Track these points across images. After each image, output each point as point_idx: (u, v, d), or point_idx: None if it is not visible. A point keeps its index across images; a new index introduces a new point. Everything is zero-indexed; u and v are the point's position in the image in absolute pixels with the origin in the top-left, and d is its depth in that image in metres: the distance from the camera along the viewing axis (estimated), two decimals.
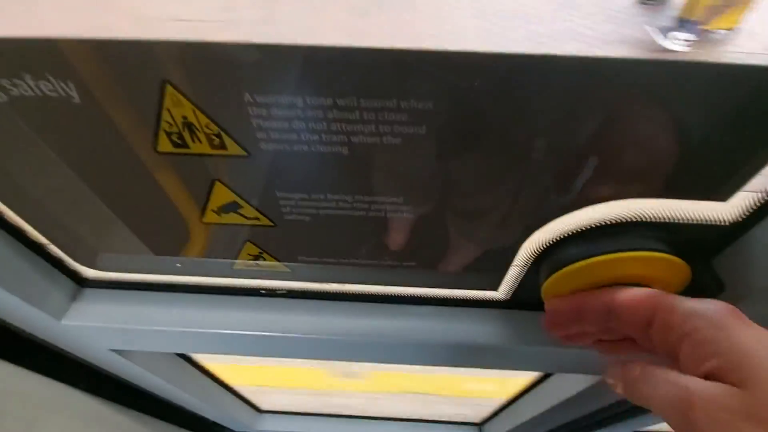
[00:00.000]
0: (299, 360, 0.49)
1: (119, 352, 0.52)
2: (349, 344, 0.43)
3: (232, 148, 0.27)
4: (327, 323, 0.43)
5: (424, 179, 0.29)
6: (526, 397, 0.76)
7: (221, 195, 0.31)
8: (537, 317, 0.42)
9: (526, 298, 0.41)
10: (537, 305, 0.42)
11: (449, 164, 0.28)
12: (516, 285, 0.40)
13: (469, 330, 0.42)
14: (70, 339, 0.47)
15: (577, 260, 0.31)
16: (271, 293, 0.45)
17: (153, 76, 0.23)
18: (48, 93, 0.24)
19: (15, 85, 0.24)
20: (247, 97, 0.24)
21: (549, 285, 0.34)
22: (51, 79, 0.24)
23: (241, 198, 0.32)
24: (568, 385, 0.56)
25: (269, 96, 0.24)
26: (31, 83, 0.24)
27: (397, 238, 0.35)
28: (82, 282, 0.45)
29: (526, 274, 0.38)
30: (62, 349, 0.51)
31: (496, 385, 1.26)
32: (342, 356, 0.45)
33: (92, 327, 0.45)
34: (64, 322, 0.44)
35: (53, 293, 0.43)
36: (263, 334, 0.44)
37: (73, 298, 0.45)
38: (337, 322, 0.43)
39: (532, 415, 0.70)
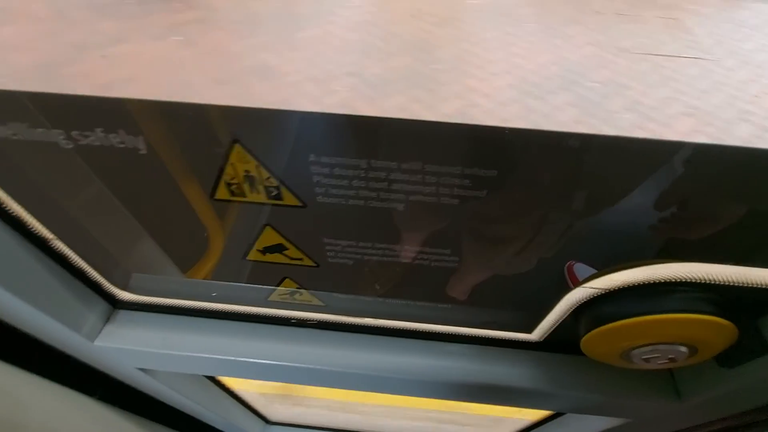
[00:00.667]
0: None
1: (145, 370, 0.53)
2: (378, 378, 0.44)
3: (289, 200, 0.27)
4: (358, 356, 0.43)
5: (475, 234, 0.30)
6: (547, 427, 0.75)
7: (269, 238, 0.32)
8: (569, 360, 0.42)
9: (559, 341, 0.41)
10: (569, 348, 0.42)
11: (504, 222, 0.28)
12: (552, 330, 0.40)
13: (501, 370, 0.42)
14: (101, 358, 0.48)
15: (622, 317, 0.31)
16: (302, 323, 0.45)
17: (224, 136, 0.24)
18: (116, 144, 0.25)
19: (85, 137, 0.25)
20: (312, 157, 0.24)
21: (590, 339, 0.34)
22: (122, 133, 0.24)
23: (289, 241, 0.32)
24: (591, 424, 0.56)
25: (334, 158, 0.24)
26: (101, 135, 0.25)
27: (438, 285, 0.35)
28: (116, 303, 0.46)
29: (564, 321, 0.38)
30: (88, 364, 0.51)
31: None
32: (371, 388, 0.46)
33: (123, 349, 0.45)
34: (97, 343, 0.44)
35: (89, 316, 0.43)
36: (293, 364, 0.44)
37: (107, 319, 0.45)
38: (368, 356, 0.43)
39: None
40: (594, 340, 0.35)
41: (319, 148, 0.24)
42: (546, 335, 0.41)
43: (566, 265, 0.36)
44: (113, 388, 0.59)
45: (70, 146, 0.26)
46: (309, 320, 0.45)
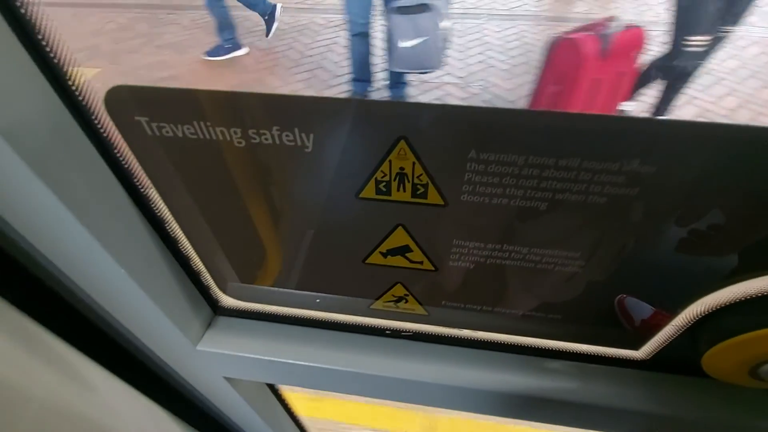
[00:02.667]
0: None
1: (230, 380, 0.53)
2: (473, 393, 0.43)
3: (432, 198, 0.29)
4: (453, 371, 0.43)
5: (613, 236, 0.30)
6: None
7: (398, 239, 0.33)
8: (680, 380, 0.41)
9: (668, 359, 0.40)
10: (678, 368, 0.41)
11: (646, 224, 0.28)
12: (663, 347, 0.39)
13: (605, 389, 0.41)
14: (198, 364, 0.49)
15: (756, 328, 0.30)
16: (396, 334, 0.45)
17: (390, 133, 0.26)
18: (286, 143, 0.27)
19: (259, 135, 0.27)
20: (472, 153, 0.26)
21: (714, 354, 0.33)
22: (296, 131, 0.27)
23: (415, 243, 0.33)
24: None
25: (494, 154, 0.26)
26: (275, 134, 0.27)
27: (554, 293, 0.35)
28: (217, 309, 0.47)
29: (678, 337, 0.37)
30: (178, 374, 0.52)
31: None
32: (466, 407, 0.45)
33: (222, 354, 0.46)
34: (199, 348, 0.45)
35: (195, 320, 0.45)
36: (387, 375, 0.44)
37: (208, 324, 0.47)
38: (464, 371, 0.43)
39: None
40: (719, 356, 0.34)
41: (483, 144, 0.25)
42: (654, 352, 0.40)
43: (617, 300, 0.36)
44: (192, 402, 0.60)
45: (242, 144, 0.28)
46: (405, 331, 0.45)
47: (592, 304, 0.37)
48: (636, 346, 0.40)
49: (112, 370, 0.47)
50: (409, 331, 0.45)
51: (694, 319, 0.35)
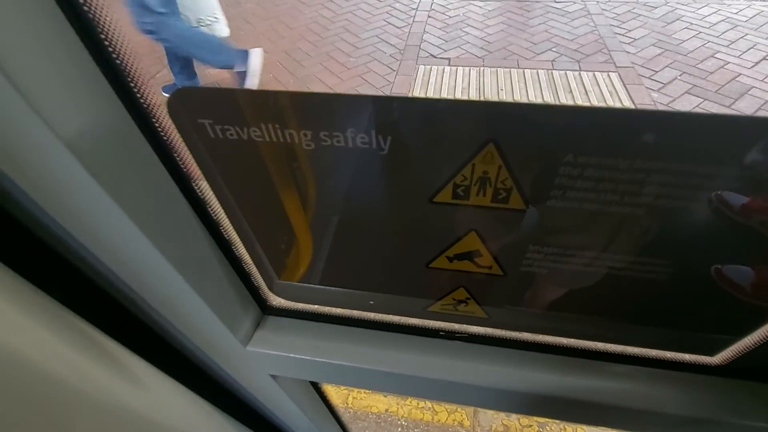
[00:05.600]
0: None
1: (276, 377, 0.53)
2: (535, 398, 0.41)
3: (515, 203, 0.27)
4: (513, 373, 0.42)
5: (697, 243, 0.28)
6: None
7: (469, 243, 0.31)
8: (756, 387, 0.38)
9: (746, 366, 0.38)
10: (756, 375, 0.38)
11: (743, 230, 0.26)
12: (743, 354, 0.36)
13: (677, 395, 0.39)
14: (247, 364, 0.48)
15: None
16: (451, 335, 0.44)
17: (479, 135, 0.24)
18: (360, 145, 0.25)
19: (332, 137, 0.25)
20: (569, 157, 0.23)
21: None
22: (372, 134, 0.25)
23: (487, 248, 0.31)
24: None
25: (594, 157, 0.23)
26: (349, 136, 0.25)
27: (636, 297, 0.33)
28: (267, 310, 0.47)
29: (764, 344, 0.34)
30: (227, 372, 0.52)
31: None
32: (526, 410, 0.43)
33: (270, 354, 0.46)
34: (249, 348, 0.45)
35: (245, 320, 0.44)
36: (440, 378, 0.43)
37: (257, 324, 0.46)
38: (524, 373, 0.41)
39: None
40: None
41: (582, 147, 0.23)
42: (732, 359, 0.38)
43: (715, 273, 0.33)
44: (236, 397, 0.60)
45: (311, 147, 0.26)
46: (460, 333, 0.43)
47: (674, 309, 0.34)
48: (712, 352, 0.38)
49: (163, 368, 0.47)
50: (464, 333, 0.43)
51: None
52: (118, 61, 0.24)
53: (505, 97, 2.82)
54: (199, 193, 0.32)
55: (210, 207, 0.33)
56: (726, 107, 2.60)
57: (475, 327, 0.42)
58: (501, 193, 0.26)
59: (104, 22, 0.22)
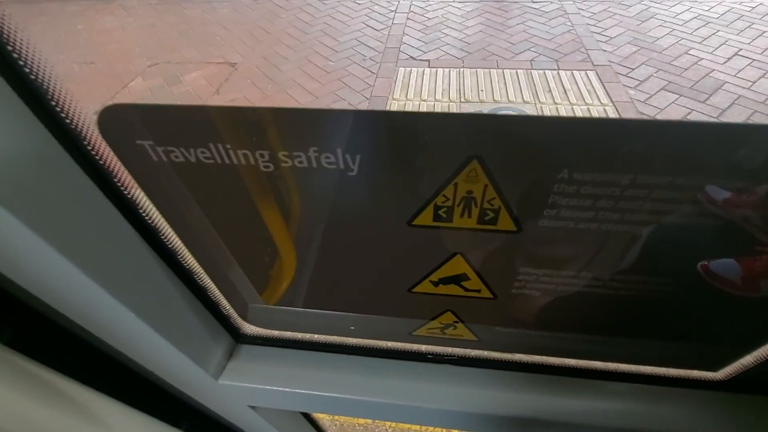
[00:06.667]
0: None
1: (256, 408, 0.49)
2: (530, 421, 0.39)
3: (504, 224, 0.24)
4: (506, 396, 0.39)
5: (697, 258, 0.25)
6: None
7: (455, 267, 0.28)
8: (760, 402, 0.36)
9: (750, 381, 0.36)
10: (760, 389, 0.36)
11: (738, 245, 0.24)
12: (748, 369, 0.34)
13: (677, 412, 0.37)
14: (220, 396, 0.44)
15: None
16: (439, 359, 0.41)
17: (460, 152, 0.21)
18: (326, 165, 0.22)
19: (292, 158, 0.22)
20: (563, 174, 0.21)
21: None
22: (338, 152, 0.21)
23: (475, 272, 0.28)
24: None
25: (590, 174, 0.20)
26: (312, 156, 0.22)
27: (634, 315, 0.30)
28: (239, 338, 0.43)
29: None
30: (202, 404, 0.48)
31: None
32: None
33: (244, 387, 0.42)
34: (221, 381, 0.41)
35: (216, 352, 0.40)
36: (430, 405, 0.40)
37: (230, 355, 0.42)
38: (518, 396, 0.39)
39: None
40: None
41: (577, 162, 0.20)
42: (736, 374, 0.35)
43: (700, 266, 0.30)
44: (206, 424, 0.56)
45: (270, 169, 0.23)
46: (449, 356, 0.40)
47: (672, 323, 0.32)
48: (715, 368, 0.35)
49: (133, 405, 0.42)
50: (453, 356, 0.40)
51: None
52: (34, 80, 0.20)
53: (485, 97, 2.82)
54: (149, 221, 0.28)
55: (163, 236, 0.29)
56: (701, 102, 2.65)
57: (464, 349, 0.39)
58: (488, 213, 0.23)
59: (15, 39, 0.19)
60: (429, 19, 3.69)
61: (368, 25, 3.60)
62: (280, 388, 0.41)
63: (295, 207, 0.27)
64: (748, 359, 0.33)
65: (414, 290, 0.31)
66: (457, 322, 0.35)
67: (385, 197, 0.24)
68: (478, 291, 0.30)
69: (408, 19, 3.69)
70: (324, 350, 0.43)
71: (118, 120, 0.22)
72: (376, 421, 1.57)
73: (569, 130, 0.19)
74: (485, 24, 3.60)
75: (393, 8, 3.83)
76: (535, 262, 0.27)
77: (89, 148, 0.23)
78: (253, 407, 0.49)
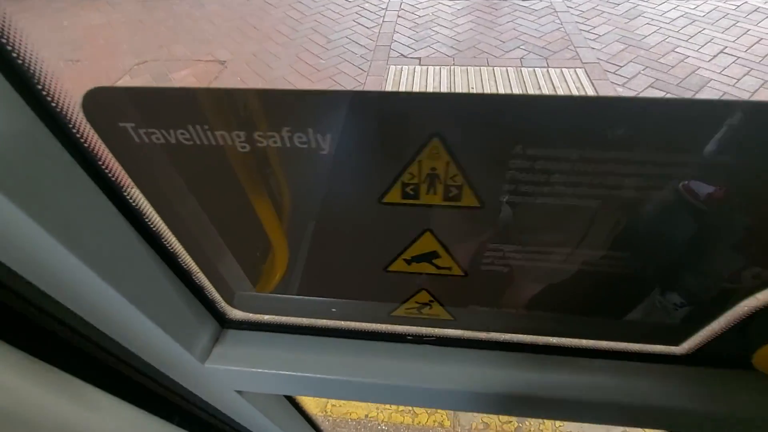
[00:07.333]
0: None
1: (242, 393, 0.51)
2: (506, 397, 0.40)
3: (467, 201, 0.26)
4: (484, 373, 0.40)
5: (660, 234, 0.27)
6: None
7: (425, 244, 0.30)
8: (720, 375, 0.38)
9: (711, 354, 0.38)
10: (723, 362, 0.38)
11: (698, 220, 0.25)
12: (707, 342, 0.36)
13: (645, 386, 0.39)
14: (206, 381, 0.46)
15: None
16: (419, 339, 0.43)
17: (422, 130, 0.22)
18: (298, 145, 0.24)
19: (265, 138, 0.23)
20: (518, 149, 0.22)
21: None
22: (310, 131, 0.23)
23: (444, 248, 0.30)
24: None
25: (545, 149, 0.22)
26: (285, 135, 0.23)
27: (598, 289, 0.32)
28: (224, 323, 0.44)
29: (727, 332, 0.34)
30: (179, 393, 0.49)
31: None
32: (499, 410, 0.42)
33: (231, 370, 0.43)
34: (207, 365, 0.42)
35: (202, 336, 0.41)
36: (411, 384, 0.41)
37: (216, 339, 0.44)
38: (495, 373, 0.40)
39: None
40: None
41: (530, 137, 0.22)
42: (697, 348, 0.37)
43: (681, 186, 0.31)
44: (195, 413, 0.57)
45: (246, 149, 0.24)
46: (428, 336, 0.42)
47: (635, 300, 0.34)
48: (677, 342, 0.37)
49: (117, 393, 0.43)
50: (432, 336, 0.42)
51: (747, 314, 0.32)
52: (19, 61, 0.21)
53: None
54: (133, 203, 0.29)
55: (147, 218, 0.31)
56: None
57: (442, 329, 0.41)
58: (452, 190, 0.25)
59: (3, 26, 0.20)
60: (419, 17, 3.70)
61: (359, 23, 3.61)
62: (266, 370, 0.43)
63: (274, 189, 0.28)
64: (705, 332, 0.35)
65: (390, 269, 0.33)
66: (432, 301, 0.36)
67: (356, 176, 0.25)
68: (450, 269, 0.32)
69: (399, 17, 3.70)
70: (309, 334, 0.44)
71: (102, 103, 0.23)
72: (369, 416, 1.59)
73: (521, 106, 0.21)
74: (475, 22, 3.63)
75: (384, 6, 3.84)
76: (500, 239, 0.28)
77: (74, 131, 0.24)
78: (240, 393, 0.50)
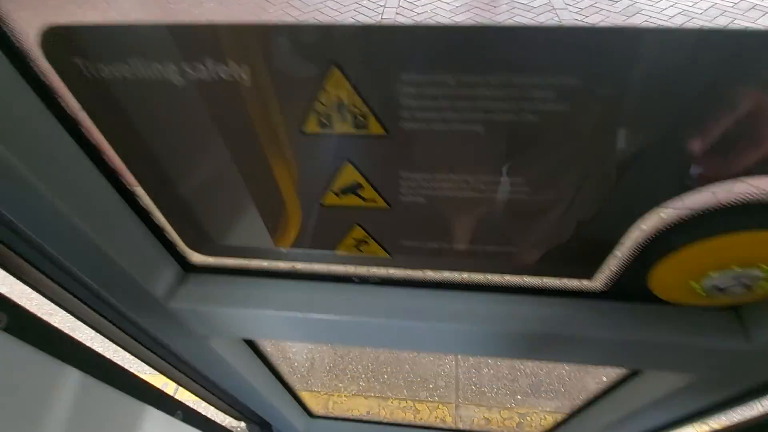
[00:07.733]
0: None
1: (208, 338, 0.55)
2: (440, 333, 0.44)
3: (374, 128, 0.29)
4: (421, 312, 0.44)
5: (551, 159, 0.31)
6: (608, 398, 0.72)
7: (348, 175, 0.34)
8: (633, 309, 0.42)
9: (623, 288, 0.41)
10: (634, 295, 0.42)
11: (580, 143, 0.29)
12: (616, 274, 0.40)
13: (560, 319, 0.42)
14: (172, 324, 0.50)
15: (698, 239, 0.31)
16: (364, 280, 0.47)
17: (323, 59, 0.26)
18: (223, 77, 0.28)
19: (195, 69, 0.28)
20: (403, 76, 0.26)
21: (661, 268, 0.34)
22: (231, 63, 0.27)
23: (365, 178, 0.34)
24: (657, 384, 0.54)
25: (422, 75, 0.26)
26: (210, 67, 0.27)
27: (507, 219, 0.36)
28: (187, 267, 0.48)
29: (629, 262, 0.38)
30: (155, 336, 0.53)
31: None
32: (434, 347, 0.46)
33: (196, 312, 0.47)
34: (172, 305, 0.46)
35: (165, 277, 0.46)
36: (358, 319, 0.45)
37: (180, 282, 0.48)
38: (428, 310, 0.44)
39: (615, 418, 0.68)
40: (665, 270, 0.35)
41: (410, 65, 0.26)
42: (609, 281, 0.41)
43: None
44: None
45: (183, 83, 0.28)
46: (371, 277, 0.46)
47: (545, 232, 0.37)
48: (589, 275, 0.41)
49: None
50: (376, 277, 0.46)
51: (645, 240, 0.36)
52: None
53: None
54: (92, 141, 0.33)
55: (105, 155, 0.35)
56: None
57: (384, 269, 0.45)
58: (359, 119, 0.29)
59: None
60: (418, 14, 3.74)
61: (357, 21, 3.65)
62: (225, 310, 0.47)
63: (213, 125, 0.32)
64: (612, 263, 0.39)
65: (324, 203, 0.37)
66: (366, 237, 0.40)
67: (278, 107, 0.29)
68: (375, 201, 0.36)
69: (397, 14, 3.74)
70: (266, 276, 0.48)
71: (58, 41, 0.27)
72: (371, 411, 1.63)
73: (404, 35, 0.25)
74: (474, 19, 3.65)
75: (382, 3, 3.87)
76: (411, 167, 0.32)
77: (34, 68, 0.28)
78: (206, 338, 0.54)
